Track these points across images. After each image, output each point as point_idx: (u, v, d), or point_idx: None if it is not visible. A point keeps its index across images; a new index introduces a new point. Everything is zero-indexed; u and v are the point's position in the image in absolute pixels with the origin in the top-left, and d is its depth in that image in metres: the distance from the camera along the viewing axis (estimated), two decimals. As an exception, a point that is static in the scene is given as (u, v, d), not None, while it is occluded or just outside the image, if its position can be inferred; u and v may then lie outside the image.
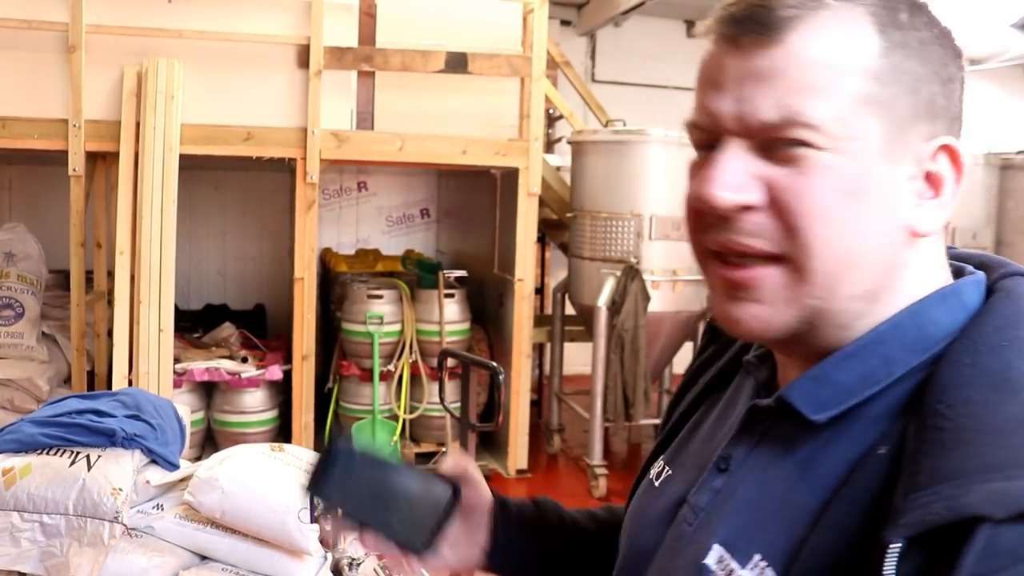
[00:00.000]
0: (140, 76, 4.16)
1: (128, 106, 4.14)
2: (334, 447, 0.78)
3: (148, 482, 2.14)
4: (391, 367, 4.96)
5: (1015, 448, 0.55)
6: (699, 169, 0.67)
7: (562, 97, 6.02)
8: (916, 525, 0.53)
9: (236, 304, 6.12)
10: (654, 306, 4.62)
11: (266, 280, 6.35)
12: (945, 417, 0.58)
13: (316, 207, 4.48)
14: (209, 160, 4.57)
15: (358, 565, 2.10)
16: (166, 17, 4.22)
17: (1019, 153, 5.38)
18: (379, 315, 4.89)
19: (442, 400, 3.58)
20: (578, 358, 6.35)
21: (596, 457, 4.79)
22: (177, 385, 4.38)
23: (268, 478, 2.06)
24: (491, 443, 5.28)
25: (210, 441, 4.77)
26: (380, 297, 4.94)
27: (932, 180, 0.65)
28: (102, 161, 4.59)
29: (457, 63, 4.51)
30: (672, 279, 4.71)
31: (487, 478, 4.06)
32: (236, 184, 6.22)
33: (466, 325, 5.13)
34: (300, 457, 2.18)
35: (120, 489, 2.05)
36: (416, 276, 5.24)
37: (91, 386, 4.46)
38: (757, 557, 0.64)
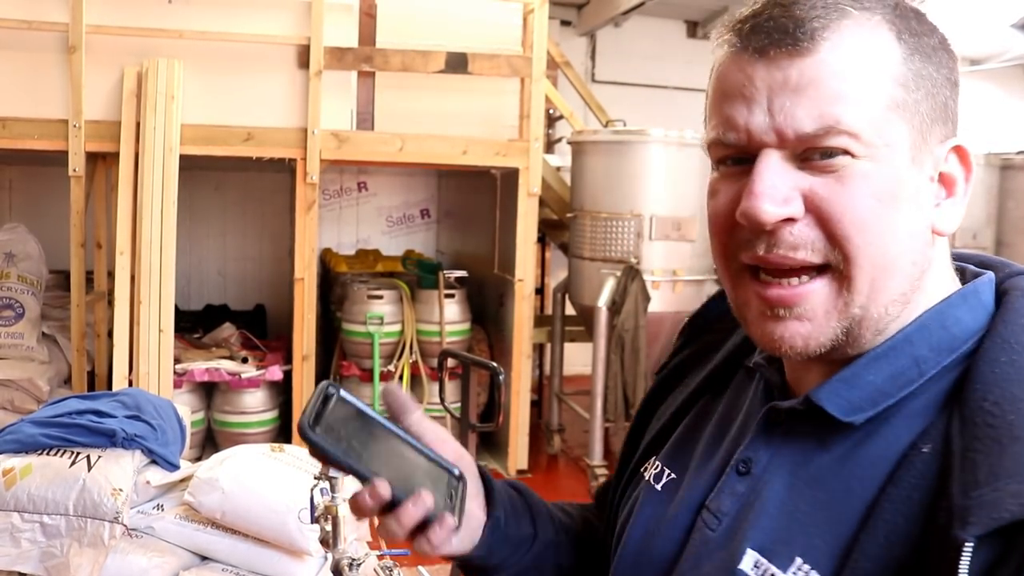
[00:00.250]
0: (140, 76, 4.16)
1: (128, 106, 4.14)
2: (336, 390, 0.69)
3: (148, 482, 2.14)
4: (391, 367, 4.96)
5: None
6: (726, 186, 0.67)
7: (562, 97, 6.02)
8: (988, 523, 0.54)
9: (236, 304, 6.12)
10: (654, 306, 4.62)
11: (266, 280, 6.36)
12: (994, 415, 0.58)
13: (316, 207, 4.48)
14: (209, 160, 4.57)
15: (358, 565, 2.10)
16: (166, 17, 4.22)
17: (1019, 153, 5.38)
18: (379, 315, 4.89)
19: (442, 400, 3.57)
20: (578, 358, 6.35)
21: (596, 457, 4.79)
22: (177, 385, 4.38)
23: (268, 478, 2.06)
24: (491, 443, 5.28)
25: (210, 441, 4.77)
26: (380, 297, 4.94)
27: (945, 180, 0.67)
28: (102, 161, 4.59)
29: (457, 63, 4.51)
30: (672, 279, 4.71)
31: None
32: (236, 184, 6.22)
33: (466, 325, 5.13)
34: (300, 457, 2.18)
35: (120, 489, 2.05)
36: (416, 276, 5.24)
37: (91, 386, 4.46)
38: (799, 561, 0.63)
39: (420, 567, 2.80)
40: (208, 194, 6.14)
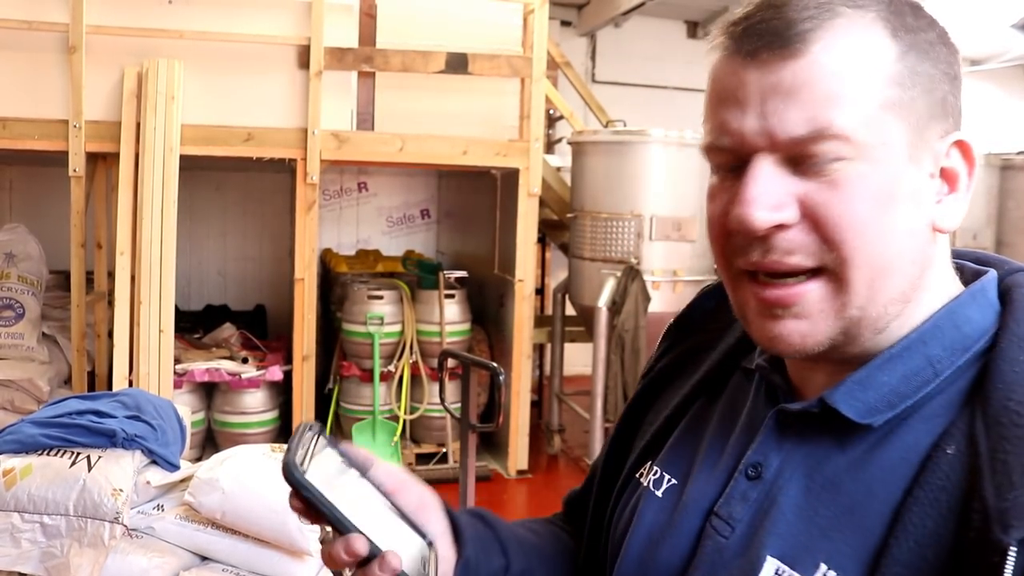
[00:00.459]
0: (140, 77, 4.16)
1: (128, 107, 4.14)
2: (319, 432, 0.68)
3: (148, 483, 2.14)
4: (391, 368, 4.96)
5: None
6: (723, 191, 0.67)
7: (562, 98, 6.02)
8: None
9: (236, 305, 6.12)
10: (654, 306, 4.62)
11: (266, 281, 6.36)
12: (1020, 414, 0.59)
13: (316, 208, 4.48)
14: (209, 161, 4.57)
15: (358, 566, 2.10)
16: (166, 18, 4.22)
17: (1019, 153, 5.39)
18: (379, 316, 4.89)
19: (442, 401, 3.57)
20: (578, 359, 6.35)
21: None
22: (177, 386, 4.38)
23: (268, 479, 2.05)
24: (492, 443, 5.28)
25: (210, 442, 4.77)
26: (380, 298, 4.94)
27: (948, 176, 0.66)
28: (102, 162, 4.60)
29: (457, 64, 4.51)
30: (672, 279, 4.71)
31: (487, 479, 4.03)
32: (236, 185, 6.23)
33: (466, 326, 5.14)
34: (300, 458, 2.18)
35: (120, 490, 2.05)
36: (416, 277, 5.24)
37: (91, 387, 4.46)
38: (824, 567, 0.62)
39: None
40: (208, 194, 6.14)
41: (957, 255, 0.74)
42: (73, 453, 2.11)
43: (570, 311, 5.42)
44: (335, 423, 5.10)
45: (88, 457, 2.10)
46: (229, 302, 6.16)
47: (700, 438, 0.78)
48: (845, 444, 0.66)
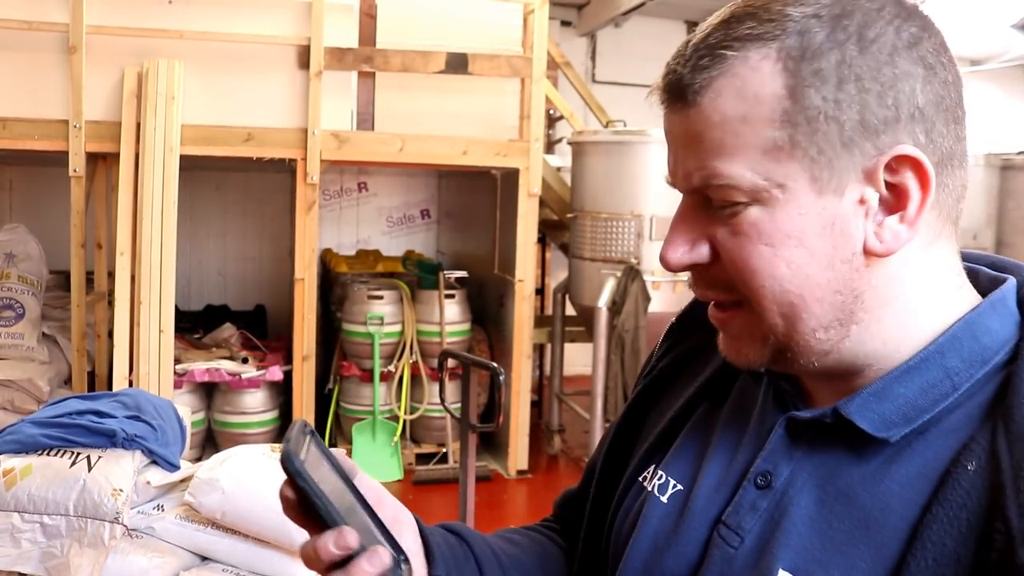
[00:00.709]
0: (141, 77, 4.16)
1: (128, 107, 4.14)
2: (313, 432, 0.68)
3: (148, 483, 2.14)
4: (391, 368, 4.96)
5: None
6: None
7: (562, 98, 6.03)
8: None
9: (236, 305, 6.12)
10: (654, 307, 4.62)
11: (266, 281, 6.36)
12: None
13: (316, 208, 4.48)
14: (210, 161, 4.57)
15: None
16: (167, 18, 4.22)
17: (1019, 154, 5.38)
18: (379, 316, 4.89)
19: (442, 401, 3.57)
20: (578, 359, 6.35)
21: (596, 458, 4.79)
22: (177, 386, 4.38)
23: (268, 479, 2.05)
24: (492, 444, 5.28)
25: (210, 442, 4.77)
26: (380, 298, 4.94)
27: (898, 193, 0.62)
28: (103, 162, 4.60)
29: (457, 64, 4.51)
30: (672, 280, 4.71)
31: (488, 479, 4.02)
32: (236, 185, 6.23)
33: (466, 326, 5.14)
34: (300, 458, 2.18)
35: (120, 490, 2.05)
36: (416, 277, 5.24)
37: (91, 387, 4.46)
38: None
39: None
40: (208, 194, 6.15)
41: (971, 259, 0.72)
42: (73, 453, 2.11)
43: (570, 311, 5.42)
44: (335, 423, 5.11)
45: (88, 457, 2.10)
46: (229, 302, 6.16)
47: (706, 442, 0.77)
48: (859, 457, 0.64)
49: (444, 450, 5.07)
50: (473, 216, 5.93)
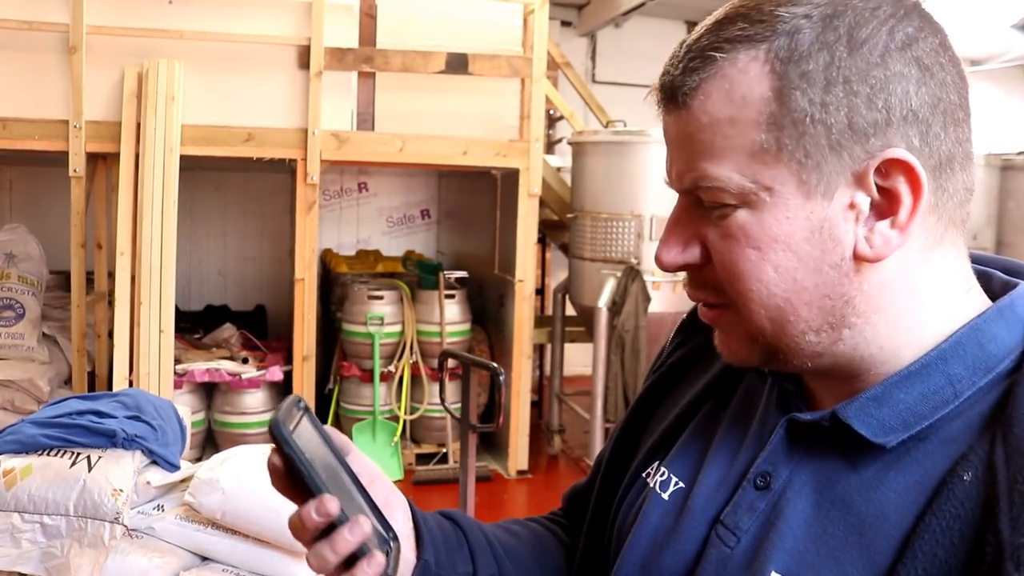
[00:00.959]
0: (141, 77, 4.16)
1: (129, 107, 4.14)
2: (306, 408, 0.69)
3: (149, 483, 2.14)
4: (392, 368, 4.96)
5: None
6: None
7: (562, 98, 6.03)
8: None
9: (236, 305, 6.12)
10: (655, 307, 4.62)
11: (266, 281, 6.36)
12: None
13: (316, 208, 4.48)
14: (210, 161, 4.57)
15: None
16: (167, 18, 4.22)
17: (1019, 154, 5.38)
18: (380, 316, 4.89)
19: (443, 401, 3.57)
20: (579, 359, 6.35)
21: (597, 458, 4.79)
22: (178, 386, 4.38)
23: (268, 479, 2.05)
24: (492, 444, 5.28)
25: (211, 442, 4.77)
26: (381, 298, 4.94)
27: (890, 197, 0.61)
28: (103, 162, 4.60)
29: (458, 64, 4.51)
30: (673, 280, 4.70)
31: (488, 479, 4.02)
32: (237, 185, 6.23)
33: (467, 326, 5.14)
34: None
35: (121, 490, 2.05)
36: (416, 277, 5.24)
37: (92, 387, 4.46)
38: None
39: None
40: (208, 195, 6.15)
41: (985, 262, 0.71)
42: (73, 453, 2.11)
43: (570, 311, 5.42)
44: (335, 423, 5.10)
45: (88, 457, 2.10)
46: (229, 302, 6.16)
47: (709, 441, 0.76)
48: (857, 462, 0.64)
49: (444, 450, 5.07)
50: (473, 216, 5.93)
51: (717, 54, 0.62)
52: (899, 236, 0.61)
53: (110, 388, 4.09)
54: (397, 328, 4.95)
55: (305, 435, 0.67)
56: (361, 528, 0.65)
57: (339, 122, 4.51)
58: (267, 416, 4.75)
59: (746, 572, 0.65)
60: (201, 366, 4.55)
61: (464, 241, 6.32)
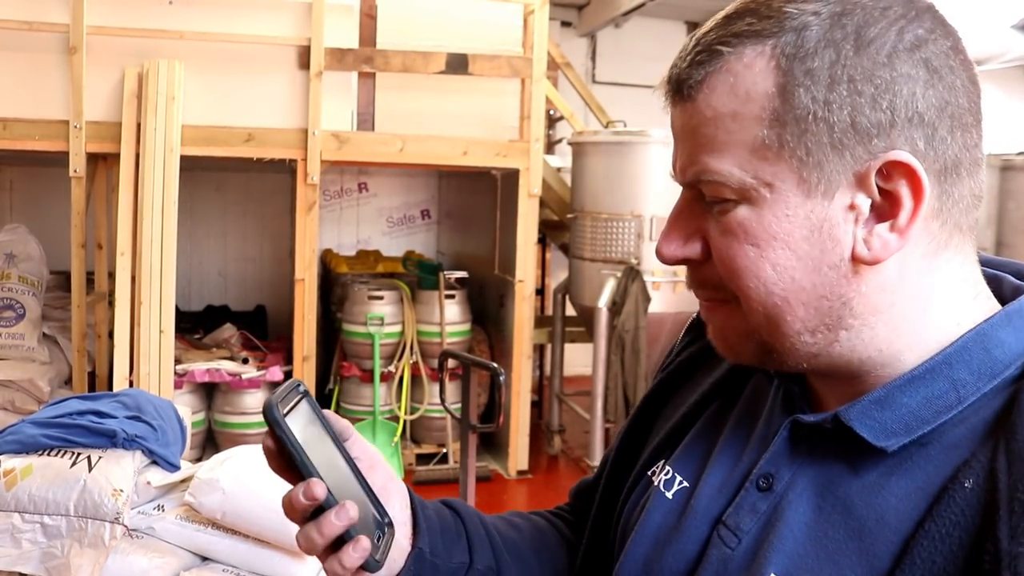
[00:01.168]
0: (141, 77, 4.16)
1: (129, 107, 4.14)
2: (306, 392, 0.70)
3: (149, 483, 2.14)
4: (392, 368, 4.96)
5: None
6: None
7: (563, 98, 6.03)
8: None
9: (237, 305, 6.12)
10: (655, 307, 4.62)
11: (267, 281, 6.36)
12: None
13: (317, 208, 4.48)
14: (210, 161, 4.57)
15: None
16: (167, 18, 4.22)
17: (1019, 154, 5.39)
18: (380, 316, 4.89)
19: (443, 401, 3.58)
20: (579, 359, 6.35)
21: (597, 458, 4.78)
22: (178, 386, 4.38)
23: (269, 479, 2.05)
24: (492, 444, 5.28)
25: (211, 442, 4.77)
26: (381, 298, 4.94)
27: (892, 200, 0.60)
28: (103, 162, 4.60)
29: (458, 64, 4.51)
30: (673, 280, 4.71)
31: (488, 479, 4.02)
32: (237, 185, 6.23)
33: (467, 326, 5.14)
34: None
35: (121, 490, 2.05)
36: (417, 277, 5.24)
37: (92, 387, 4.47)
38: None
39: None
40: (209, 195, 6.15)
41: (997, 266, 0.70)
42: (73, 453, 2.11)
43: (570, 311, 5.42)
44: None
45: (88, 457, 2.10)
46: (229, 303, 6.16)
47: (714, 441, 0.76)
48: (859, 465, 0.63)
49: (444, 450, 5.07)
50: (473, 216, 5.93)
51: (724, 48, 0.62)
52: (898, 240, 0.60)
53: (110, 388, 4.09)
54: (397, 328, 4.95)
55: (301, 419, 0.68)
56: (347, 513, 0.66)
57: (339, 122, 4.51)
58: (267, 416, 4.74)
59: (745, 573, 0.65)
60: (201, 366, 4.55)
61: (464, 241, 6.32)
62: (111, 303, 4.24)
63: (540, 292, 6.43)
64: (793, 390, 0.71)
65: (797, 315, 0.63)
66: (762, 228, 0.62)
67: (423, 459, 5.05)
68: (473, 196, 5.84)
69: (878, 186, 0.60)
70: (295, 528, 0.70)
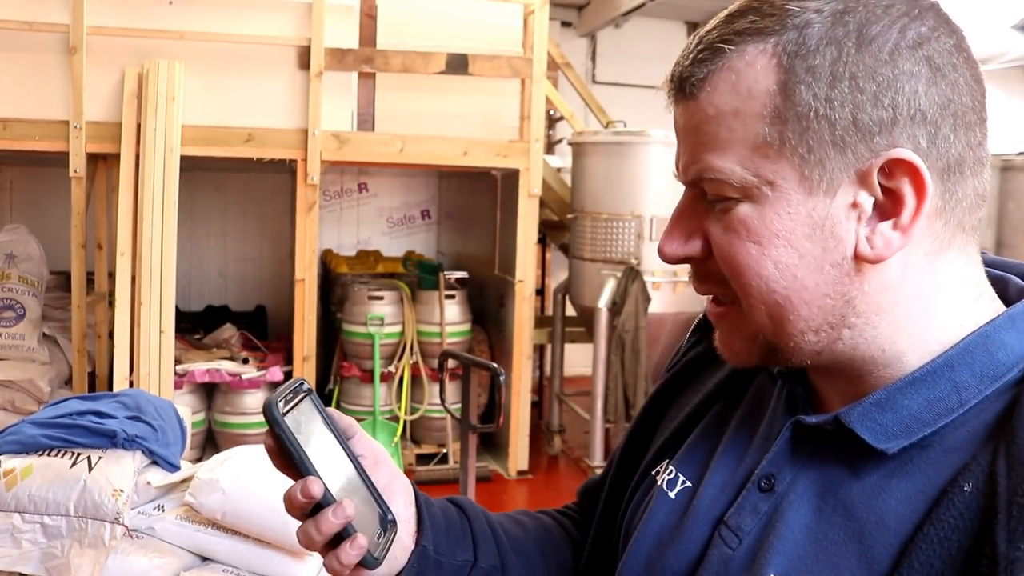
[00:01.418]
0: (141, 77, 4.16)
1: (129, 107, 4.14)
2: (310, 390, 0.71)
3: (149, 483, 2.14)
4: (392, 368, 4.96)
5: None
6: None
7: (563, 98, 6.03)
8: None
9: (237, 305, 6.13)
10: (655, 307, 4.62)
11: (267, 281, 6.36)
12: None
13: (317, 208, 4.48)
14: (210, 161, 4.57)
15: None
16: (167, 18, 4.22)
17: (1019, 154, 5.38)
18: (380, 316, 4.89)
19: (443, 401, 3.58)
20: (579, 359, 6.35)
21: (597, 458, 4.79)
22: (178, 386, 4.38)
23: (269, 479, 2.05)
24: (492, 444, 5.28)
25: (211, 442, 4.77)
26: (381, 298, 4.94)
27: (894, 198, 0.60)
28: (103, 162, 4.60)
29: (458, 64, 4.51)
30: (673, 280, 4.71)
31: (488, 479, 4.02)
32: (237, 185, 6.23)
33: (467, 326, 5.14)
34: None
35: (121, 490, 2.05)
36: (417, 277, 5.24)
37: (92, 387, 4.47)
38: None
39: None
40: (209, 195, 6.15)
41: (1002, 267, 0.70)
42: (74, 454, 2.11)
43: (570, 312, 5.42)
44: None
45: (89, 458, 2.10)
46: (229, 303, 6.16)
47: (718, 441, 0.76)
48: (859, 467, 0.63)
49: (444, 450, 5.07)
50: (473, 217, 5.93)
51: (726, 46, 0.62)
52: (901, 238, 0.60)
53: (110, 388, 4.09)
54: (397, 328, 4.95)
55: (303, 417, 0.69)
56: (343, 511, 0.67)
57: (339, 122, 4.51)
58: (267, 416, 4.74)
59: (746, 574, 0.65)
60: (201, 366, 4.55)
61: (464, 241, 6.32)
62: (111, 303, 4.24)
63: (540, 292, 6.43)
64: (796, 391, 0.71)
65: (800, 313, 0.63)
66: (764, 226, 0.62)
67: (423, 459, 5.05)
68: (473, 196, 5.84)
69: (880, 184, 0.60)
70: (295, 528, 0.71)
